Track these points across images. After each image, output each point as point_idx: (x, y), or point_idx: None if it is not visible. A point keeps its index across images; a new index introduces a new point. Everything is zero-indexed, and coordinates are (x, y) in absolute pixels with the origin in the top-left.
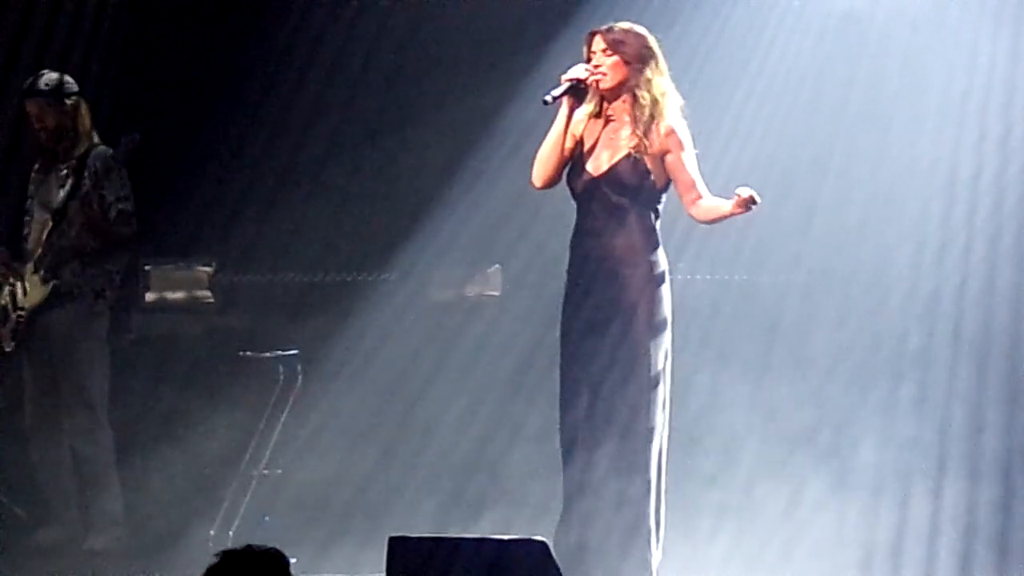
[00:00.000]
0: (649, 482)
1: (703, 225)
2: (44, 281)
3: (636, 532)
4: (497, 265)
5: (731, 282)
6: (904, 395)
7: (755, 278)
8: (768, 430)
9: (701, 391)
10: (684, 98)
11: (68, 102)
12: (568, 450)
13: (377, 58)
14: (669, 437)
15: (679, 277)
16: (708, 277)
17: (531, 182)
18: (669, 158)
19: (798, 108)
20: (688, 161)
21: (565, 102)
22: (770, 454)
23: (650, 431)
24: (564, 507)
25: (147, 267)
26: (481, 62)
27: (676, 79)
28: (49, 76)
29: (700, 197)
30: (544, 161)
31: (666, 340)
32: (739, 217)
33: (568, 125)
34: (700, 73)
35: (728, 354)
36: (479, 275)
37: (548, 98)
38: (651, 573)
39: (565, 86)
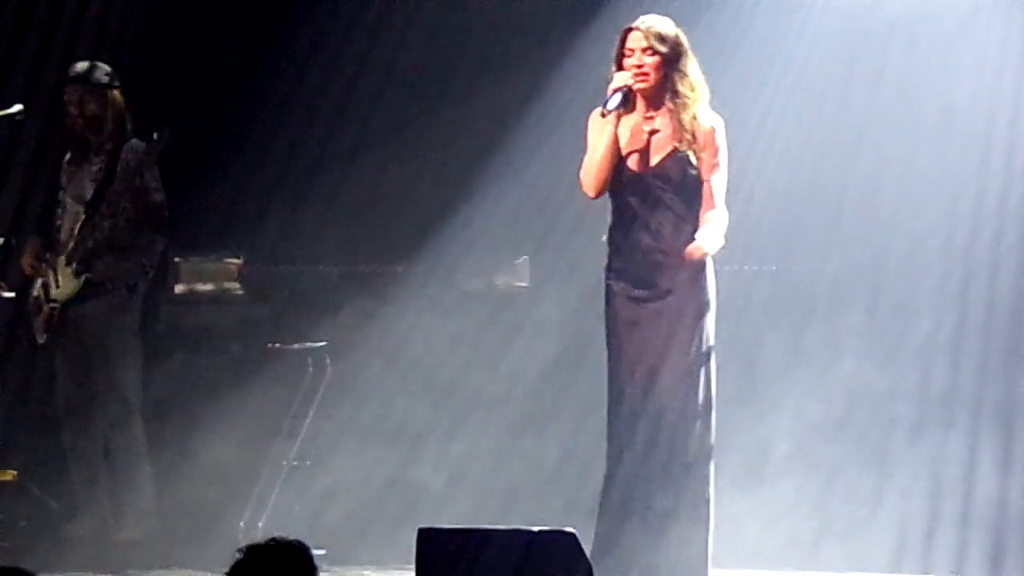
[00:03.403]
0: (707, 476)
1: (733, 216)
2: (77, 274)
3: (696, 524)
4: (525, 256)
5: (762, 272)
6: (935, 384)
7: (786, 267)
8: (799, 418)
9: (732, 381)
10: (714, 85)
11: (104, 91)
12: (617, 435)
13: (406, 50)
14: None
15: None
16: (738, 268)
17: (582, 190)
18: (703, 156)
19: (829, 96)
20: (714, 168)
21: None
22: (802, 443)
23: (708, 414)
24: (607, 497)
25: (176, 260)
26: (510, 53)
27: (706, 67)
28: (91, 64)
29: (710, 207)
30: (597, 170)
31: (712, 322)
32: (770, 207)
33: (616, 132)
34: (731, 60)
35: (759, 343)
36: (508, 266)
37: (607, 110)
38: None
39: (620, 96)
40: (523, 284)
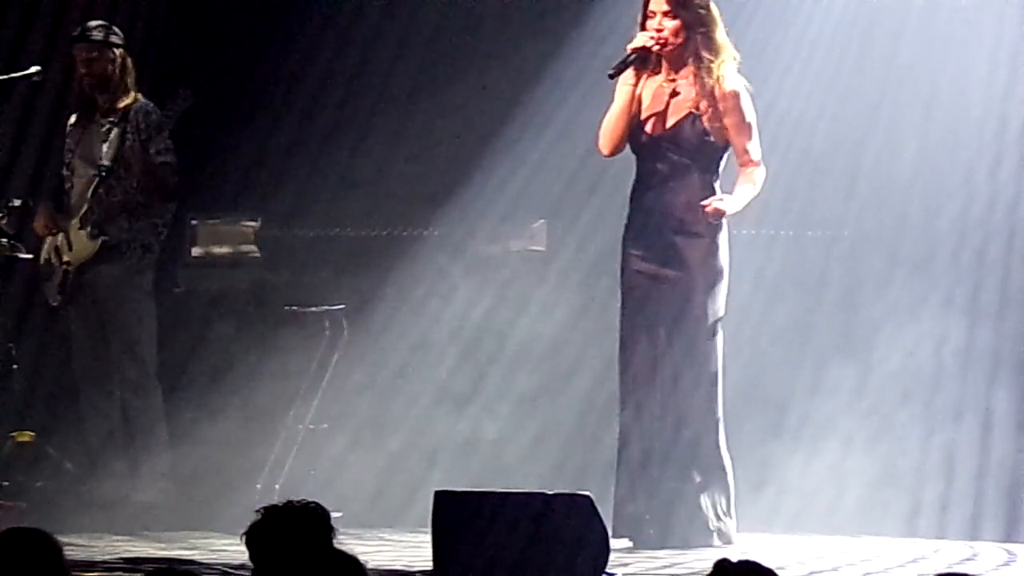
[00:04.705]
0: (717, 444)
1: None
2: (92, 236)
3: (707, 490)
4: (542, 220)
5: (777, 237)
6: (951, 350)
7: (802, 233)
8: (814, 386)
9: (747, 347)
10: (740, 45)
11: (116, 52)
12: (628, 398)
13: (422, 15)
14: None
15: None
16: (755, 232)
17: (598, 149)
18: (727, 120)
19: (846, 63)
20: (742, 127)
21: (631, 70)
22: (816, 411)
23: (714, 385)
24: (624, 463)
25: (193, 222)
26: (526, 20)
27: (731, 25)
28: (100, 24)
29: (751, 164)
30: (611, 129)
31: (723, 292)
32: (785, 175)
33: (634, 93)
34: (747, 27)
35: (775, 310)
36: (524, 230)
37: (612, 71)
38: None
39: (628, 57)
40: (540, 248)
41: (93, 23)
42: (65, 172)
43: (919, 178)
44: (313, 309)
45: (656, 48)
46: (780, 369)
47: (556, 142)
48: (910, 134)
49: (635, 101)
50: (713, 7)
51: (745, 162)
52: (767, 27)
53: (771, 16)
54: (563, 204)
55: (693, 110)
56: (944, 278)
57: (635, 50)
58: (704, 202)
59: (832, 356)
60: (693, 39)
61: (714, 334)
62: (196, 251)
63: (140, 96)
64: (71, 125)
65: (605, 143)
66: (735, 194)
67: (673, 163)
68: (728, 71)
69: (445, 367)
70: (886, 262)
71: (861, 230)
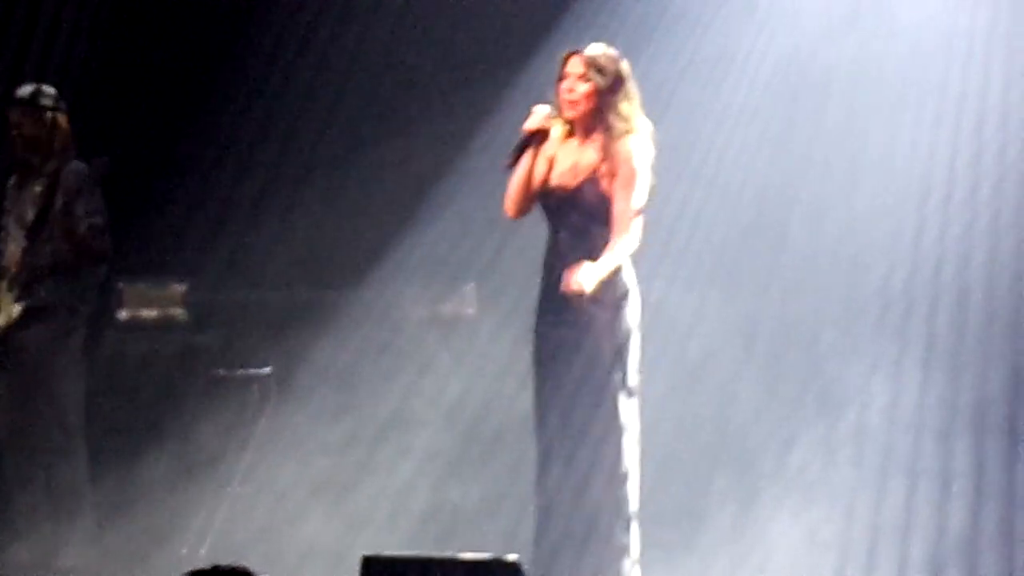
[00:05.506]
0: (622, 499)
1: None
2: (17, 300)
3: (608, 546)
4: (472, 283)
5: (706, 297)
6: (877, 408)
7: (731, 293)
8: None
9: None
10: (658, 117)
11: (48, 113)
12: (542, 464)
13: (353, 80)
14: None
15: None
16: (685, 292)
17: (504, 212)
18: (616, 183)
19: (773, 127)
20: (628, 191)
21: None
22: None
23: (618, 452)
24: (538, 523)
25: (120, 285)
26: (457, 80)
27: (651, 100)
28: (35, 87)
29: (621, 230)
30: (514, 192)
31: (632, 357)
32: (718, 232)
33: (535, 159)
34: (676, 91)
35: (707, 368)
36: (454, 293)
37: (508, 161)
38: None
39: (521, 145)
40: (470, 311)
41: (26, 86)
42: (1, 234)
43: (845, 241)
44: (241, 372)
45: (551, 124)
46: (708, 431)
47: (486, 205)
48: (837, 197)
49: (546, 162)
50: (627, 71)
51: (619, 229)
52: (696, 91)
53: (699, 81)
54: (493, 267)
55: (595, 173)
56: (866, 350)
57: (530, 132)
58: (565, 283)
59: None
60: (603, 106)
61: (626, 397)
62: (123, 314)
63: (74, 156)
64: (11, 186)
65: (509, 206)
66: (590, 268)
67: (578, 226)
68: (634, 139)
69: (373, 430)
70: (813, 320)
71: (788, 291)
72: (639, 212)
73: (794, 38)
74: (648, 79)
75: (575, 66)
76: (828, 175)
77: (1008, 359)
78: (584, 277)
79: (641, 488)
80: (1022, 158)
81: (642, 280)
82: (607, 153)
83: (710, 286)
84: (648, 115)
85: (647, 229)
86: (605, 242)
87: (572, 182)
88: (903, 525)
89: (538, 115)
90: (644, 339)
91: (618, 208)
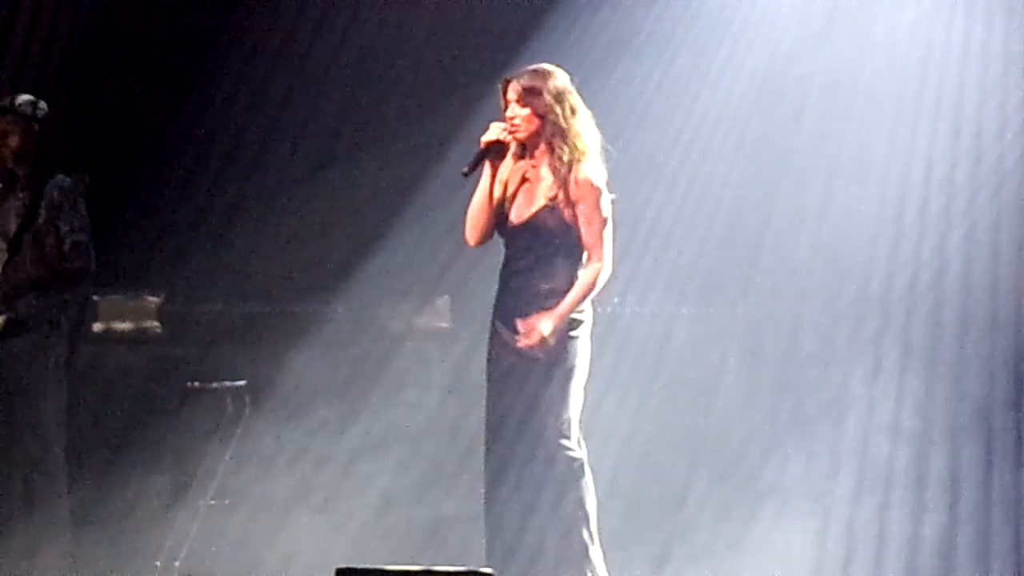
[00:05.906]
0: (583, 518)
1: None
2: None
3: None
4: (446, 296)
5: (678, 313)
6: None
7: (703, 309)
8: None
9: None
10: (633, 133)
11: (34, 124)
12: (491, 487)
13: (327, 92)
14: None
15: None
16: (662, 303)
17: (464, 239)
18: (577, 210)
19: (749, 139)
20: (591, 219)
21: (488, 161)
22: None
23: (574, 472)
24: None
25: (95, 298)
26: (430, 95)
27: (626, 114)
28: (22, 97)
29: (590, 260)
30: (474, 219)
31: (579, 382)
32: (694, 243)
33: (493, 184)
34: (650, 104)
35: (675, 383)
36: (428, 306)
37: (465, 169)
38: None
39: (481, 152)
40: (444, 325)
41: (16, 96)
42: None
43: (821, 251)
44: (215, 385)
45: (507, 138)
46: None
47: (460, 219)
48: (812, 209)
49: (501, 187)
50: (572, 96)
51: (592, 257)
52: (672, 103)
53: (675, 92)
54: (468, 281)
55: (550, 200)
56: (843, 359)
57: (487, 144)
58: (518, 341)
59: (733, 431)
60: (547, 127)
61: (568, 423)
62: (97, 326)
63: (59, 169)
64: None
65: (471, 234)
66: (550, 314)
67: (536, 251)
68: (585, 160)
69: (349, 443)
70: (789, 330)
71: (762, 303)
72: (605, 239)
73: (770, 49)
74: (625, 91)
75: (511, 93)
76: (804, 185)
77: (986, 365)
78: (544, 326)
79: (617, 499)
80: (998, 166)
81: (619, 292)
82: (559, 177)
83: (686, 296)
84: (624, 127)
85: (620, 242)
86: (563, 265)
87: (531, 208)
88: (880, 534)
89: (495, 128)
90: (619, 351)
91: (588, 239)
